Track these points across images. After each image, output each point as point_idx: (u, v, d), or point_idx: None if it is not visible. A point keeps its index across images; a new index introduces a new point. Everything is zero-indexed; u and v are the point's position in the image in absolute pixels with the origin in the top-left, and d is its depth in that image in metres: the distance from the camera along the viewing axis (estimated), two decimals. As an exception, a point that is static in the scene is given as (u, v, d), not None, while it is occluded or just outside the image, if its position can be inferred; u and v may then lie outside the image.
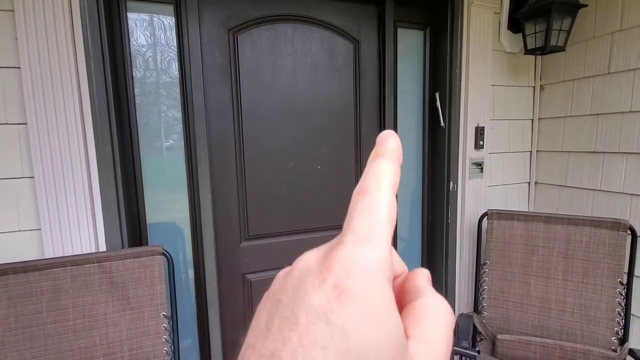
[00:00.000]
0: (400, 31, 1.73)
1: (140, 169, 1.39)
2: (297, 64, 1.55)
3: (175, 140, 1.44)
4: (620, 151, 1.52)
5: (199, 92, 1.39)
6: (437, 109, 1.75)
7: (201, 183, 1.42)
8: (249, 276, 1.57)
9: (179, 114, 1.43)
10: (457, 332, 1.52)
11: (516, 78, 1.84)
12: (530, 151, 1.93)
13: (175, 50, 1.41)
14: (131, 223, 1.36)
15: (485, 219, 1.65)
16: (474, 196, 1.76)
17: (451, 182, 1.75)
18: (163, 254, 1.27)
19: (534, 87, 1.88)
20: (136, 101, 1.38)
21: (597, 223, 1.45)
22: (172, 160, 1.45)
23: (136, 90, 1.38)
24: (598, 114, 1.60)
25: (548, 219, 1.53)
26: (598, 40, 1.58)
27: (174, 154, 1.45)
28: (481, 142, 1.73)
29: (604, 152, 1.58)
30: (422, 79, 1.81)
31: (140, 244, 1.41)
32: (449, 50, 1.69)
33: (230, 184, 1.50)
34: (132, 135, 1.37)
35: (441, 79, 1.75)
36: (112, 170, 1.25)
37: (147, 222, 1.42)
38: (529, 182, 1.95)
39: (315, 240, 1.66)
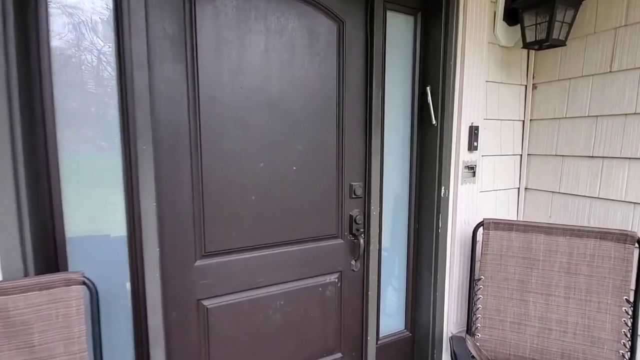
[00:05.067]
0: (389, 14, 1.51)
1: (57, 166, 1.04)
2: (271, 42, 1.27)
3: (108, 130, 1.11)
4: (622, 156, 1.40)
5: (141, 69, 1.07)
6: (428, 104, 1.56)
7: (143, 186, 1.10)
8: (205, 302, 1.27)
9: (114, 97, 1.10)
10: (454, 357, 1.32)
11: (509, 75, 1.69)
12: (521, 154, 1.80)
13: (111, 12, 1.08)
14: (42, 238, 1.01)
15: (480, 229, 1.47)
16: (466, 203, 1.59)
17: (442, 187, 1.56)
18: (84, 283, 0.93)
19: (526, 85, 1.75)
20: (54, 77, 1.03)
21: (602, 235, 1.32)
22: (104, 156, 1.11)
23: (54, 65, 1.03)
24: (597, 116, 1.48)
25: (549, 230, 1.38)
26: (599, 36, 1.46)
27: (107, 148, 1.11)
28: (475, 143, 1.56)
29: (603, 157, 1.47)
30: (412, 71, 1.61)
31: (57, 267, 1.06)
32: (442, 39, 1.50)
33: (183, 188, 1.19)
34: (45, 122, 1.02)
35: (433, 71, 1.55)
36: (10, 165, 0.90)
37: (67, 236, 1.07)
38: (519, 188, 1.82)
39: (289, 256, 1.40)
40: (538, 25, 1.44)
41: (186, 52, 1.16)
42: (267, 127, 1.30)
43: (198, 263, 1.24)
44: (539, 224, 1.39)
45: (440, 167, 1.55)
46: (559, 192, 1.64)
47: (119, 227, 1.14)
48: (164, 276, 1.18)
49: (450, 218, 1.58)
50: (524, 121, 1.78)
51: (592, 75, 1.49)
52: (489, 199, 1.72)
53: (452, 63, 1.49)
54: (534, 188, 1.76)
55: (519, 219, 1.81)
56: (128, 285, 1.16)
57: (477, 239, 1.51)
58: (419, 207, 1.67)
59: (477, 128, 1.55)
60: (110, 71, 1.10)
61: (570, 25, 1.44)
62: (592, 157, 1.51)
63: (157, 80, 1.12)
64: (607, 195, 1.46)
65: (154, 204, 1.12)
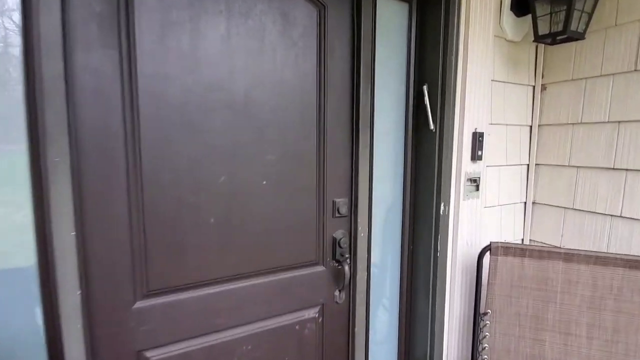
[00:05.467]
0: (379, 1, 1.28)
1: None
2: (234, 26, 1.02)
3: (12, 135, 0.84)
4: (650, 169, 1.20)
5: (53, 55, 0.81)
6: (425, 106, 1.33)
7: (56, 210, 0.83)
8: (149, 354, 1.00)
9: (18, 90, 0.83)
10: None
11: (516, 74, 1.48)
12: (528, 164, 1.59)
13: (16, -19, 0.82)
14: None
15: (487, 253, 1.25)
16: (468, 222, 1.36)
17: (442, 204, 1.33)
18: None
19: (534, 86, 1.55)
20: None
21: (632, 263, 1.11)
22: (7, 168, 0.84)
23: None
24: (619, 122, 1.28)
25: (569, 256, 1.16)
26: (622, 28, 1.26)
27: (8, 158, 0.84)
28: (479, 152, 1.34)
29: (627, 170, 1.27)
30: (406, 66, 1.38)
31: None
32: (442, 30, 1.28)
33: (116, 211, 0.92)
34: None
35: (431, 67, 1.33)
36: None
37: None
38: (525, 202, 1.61)
39: (259, 289, 1.14)
40: (553, 15, 1.23)
41: (120, 35, 0.89)
42: (229, 132, 1.04)
43: (139, 305, 0.98)
44: (557, 250, 1.18)
45: (440, 180, 1.32)
46: (572, 209, 1.44)
47: (28, 265, 0.87)
48: (90, 325, 0.91)
49: (450, 239, 1.35)
50: (531, 126, 1.57)
51: (613, 74, 1.29)
52: (493, 216, 1.50)
53: (452, 58, 1.27)
54: (543, 203, 1.55)
55: (525, 239, 1.60)
56: (41, 338, 0.89)
57: (483, 265, 1.28)
58: (414, 226, 1.44)
59: (481, 134, 1.33)
60: (14, 58, 0.83)
61: (591, 15, 1.23)
62: (614, 169, 1.30)
63: (80, 70, 0.86)
64: (631, 214, 1.26)
65: (73, 233, 0.85)
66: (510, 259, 1.22)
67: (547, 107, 1.51)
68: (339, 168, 1.24)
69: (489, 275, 1.24)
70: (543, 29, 1.27)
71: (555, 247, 1.34)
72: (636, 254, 1.17)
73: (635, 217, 1.25)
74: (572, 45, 1.38)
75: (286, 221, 1.16)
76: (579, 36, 1.24)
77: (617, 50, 1.27)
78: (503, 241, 1.23)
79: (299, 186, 1.18)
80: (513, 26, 1.40)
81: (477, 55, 1.30)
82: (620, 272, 1.12)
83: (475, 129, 1.33)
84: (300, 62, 1.13)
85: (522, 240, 1.62)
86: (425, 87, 1.33)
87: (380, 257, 1.42)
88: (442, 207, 1.33)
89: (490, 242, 1.24)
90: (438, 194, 1.33)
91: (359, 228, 1.27)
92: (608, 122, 1.31)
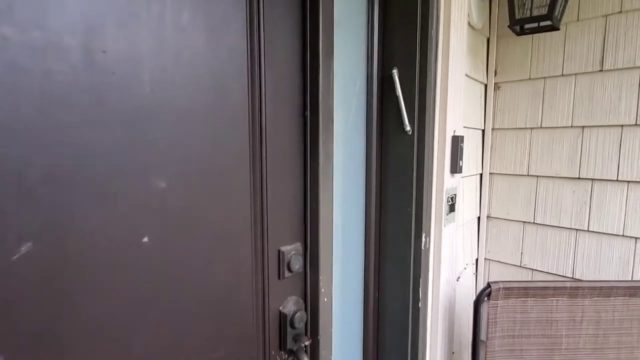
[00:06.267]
0: None
1: None
2: None
3: None
4: (619, 179, 1.11)
5: None
6: (396, 98, 0.94)
7: None
8: None
9: None
10: None
11: (474, 68, 1.25)
12: (481, 173, 1.40)
13: None
14: None
15: (486, 299, 0.94)
16: (449, 254, 1.04)
17: (423, 235, 0.96)
18: None
19: (486, 84, 1.36)
20: None
21: (631, 290, 0.96)
22: None
23: None
24: (584, 127, 1.17)
25: (574, 290, 0.95)
26: (584, 24, 1.14)
27: None
28: (460, 162, 1.03)
29: (593, 179, 1.16)
30: (367, 43, 0.96)
31: None
32: (419, -9, 0.91)
33: None
34: None
35: (403, 44, 0.94)
36: None
37: None
38: (479, 217, 1.41)
39: None
40: (532, -4, 1.02)
41: None
42: (54, 131, 0.41)
43: None
44: (561, 283, 0.95)
45: (420, 203, 0.95)
46: (533, 223, 1.29)
47: None
48: None
49: (430, 281, 1.00)
50: (484, 130, 1.38)
51: (576, 74, 1.17)
52: (458, 237, 1.24)
53: (433, 33, 0.92)
54: (500, 217, 1.37)
55: (480, 258, 1.41)
56: None
57: (482, 314, 0.97)
58: (379, 267, 1.04)
59: (462, 139, 1.03)
60: None
61: (567, 2, 1.06)
62: (579, 179, 1.18)
63: None
64: (599, 228, 1.15)
65: None
66: (512, 301, 0.94)
67: (502, 108, 1.34)
68: (286, 194, 0.73)
69: (487, 327, 0.94)
70: (521, 13, 1.05)
71: (562, 278, 1.18)
72: (635, 279, 1.05)
73: (603, 231, 1.15)
74: (527, 40, 1.23)
75: (194, 303, 0.58)
76: (556, 24, 1.05)
77: (580, 48, 1.15)
78: (505, 280, 0.94)
79: (218, 233, 0.61)
80: (477, 10, 1.15)
81: (456, 39, 0.98)
82: (620, 302, 0.96)
83: (454, 131, 1.02)
84: (215, 16, 0.57)
85: (477, 260, 1.43)
86: (395, 72, 0.93)
87: (334, 309, 0.96)
88: (423, 239, 0.96)
89: (489, 284, 0.93)
90: (418, 221, 0.95)
91: (322, 290, 0.78)
92: (571, 127, 1.19)
